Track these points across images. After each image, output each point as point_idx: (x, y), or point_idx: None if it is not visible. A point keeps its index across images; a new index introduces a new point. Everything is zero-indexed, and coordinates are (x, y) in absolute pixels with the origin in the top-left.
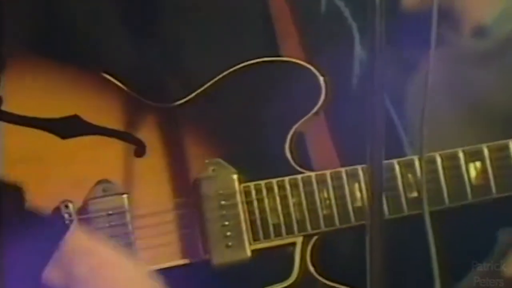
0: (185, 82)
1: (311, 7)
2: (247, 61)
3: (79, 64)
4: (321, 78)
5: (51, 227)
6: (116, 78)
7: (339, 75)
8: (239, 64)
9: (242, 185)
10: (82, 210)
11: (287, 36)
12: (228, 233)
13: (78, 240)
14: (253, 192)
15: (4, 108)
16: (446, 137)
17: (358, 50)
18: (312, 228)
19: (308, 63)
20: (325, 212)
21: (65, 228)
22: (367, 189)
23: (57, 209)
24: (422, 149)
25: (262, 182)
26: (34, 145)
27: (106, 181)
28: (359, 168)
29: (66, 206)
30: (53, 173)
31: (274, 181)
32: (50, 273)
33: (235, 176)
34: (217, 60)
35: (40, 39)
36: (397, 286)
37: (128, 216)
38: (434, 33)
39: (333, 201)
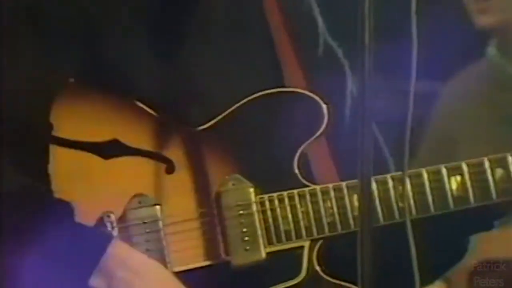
0: (208, 109)
1: (311, 46)
2: (259, 91)
3: (117, 94)
4: (324, 106)
5: (96, 235)
6: (148, 106)
7: (335, 104)
8: (253, 94)
9: (258, 197)
10: (122, 220)
11: (291, 68)
12: (246, 238)
13: (118, 249)
14: (267, 203)
15: (55, 133)
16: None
17: (350, 84)
18: (318, 233)
19: (312, 92)
20: (328, 219)
21: (107, 236)
22: (359, 199)
23: (100, 219)
24: (406, 165)
25: (275, 194)
26: (81, 165)
27: (141, 194)
28: (344, 185)
29: (108, 216)
30: (97, 189)
31: (285, 193)
32: (95, 279)
33: (251, 190)
34: (235, 89)
35: (85, 73)
36: (384, 282)
37: (160, 224)
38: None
39: (335, 210)
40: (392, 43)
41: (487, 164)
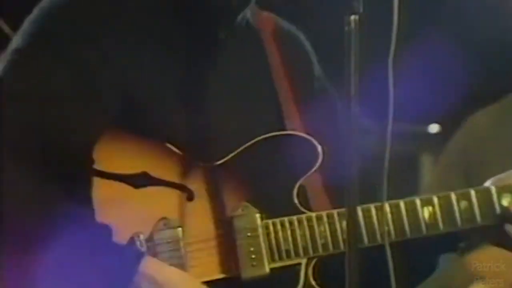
0: (222, 148)
1: (308, 90)
2: (265, 133)
3: (148, 135)
4: (319, 147)
5: (131, 252)
6: (173, 145)
7: (329, 142)
8: (260, 136)
9: (263, 221)
10: (149, 239)
11: (290, 113)
12: (253, 256)
13: (150, 263)
14: (271, 227)
15: (96, 166)
16: None
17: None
18: (313, 253)
19: (309, 135)
20: (322, 241)
21: (140, 253)
22: (347, 224)
23: (131, 239)
24: (385, 196)
25: (277, 220)
26: (116, 193)
27: (166, 218)
28: (335, 213)
29: (138, 236)
30: (129, 213)
31: (286, 219)
32: None
33: (258, 215)
34: (245, 132)
35: (122, 118)
36: None
37: (181, 243)
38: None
39: (328, 234)
40: (376, 87)
41: (453, 197)
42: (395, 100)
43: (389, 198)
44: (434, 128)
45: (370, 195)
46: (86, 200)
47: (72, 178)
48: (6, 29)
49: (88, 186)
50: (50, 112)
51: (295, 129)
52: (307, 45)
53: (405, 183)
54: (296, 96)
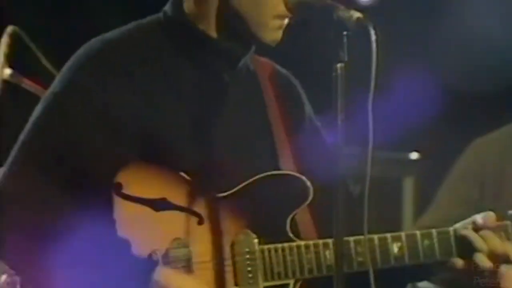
0: (227, 183)
1: (300, 129)
2: (263, 171)
3: (167, 166)
4: (309, 184)
5: (147, 266)
6: (188, 175)
7: (315, 177)
8: (258, 174)
9: (260, 246)
10: (165, 256)
11: (284, 153)
12: (250, 275)
13: (162, 271)
14: (266, 251)
15: (123, 190)
16: None
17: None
18: (300, 275)
19: (300, 171)
20: (308, 266)
21: (153, 264)
22: (334, 254)
23: (150, 255)
24: (366, 230)
25: (272, 246)
26: (138, 214)
27: (179, 238)
28: (330, 241)
29: (155, 254)
30: (148, 232)
31: (279, 245)
32: None
33: (256, 241)
34: (245, 170)
35: (143, 151)
36: None
37: (192, 261)
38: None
39: (313, 260)
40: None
41: (418, 236)
42: (380, 132)
43: (373, 219)
44: (414, 155)
45: (355, 223)
46: (107, 216)
47: (96, 197)
48: (47, 64)
49: (109, 204)
50: (81, 145)
51: (288, 165)
52: (299, 87)
53: (390, 201)
54: (289, 134)
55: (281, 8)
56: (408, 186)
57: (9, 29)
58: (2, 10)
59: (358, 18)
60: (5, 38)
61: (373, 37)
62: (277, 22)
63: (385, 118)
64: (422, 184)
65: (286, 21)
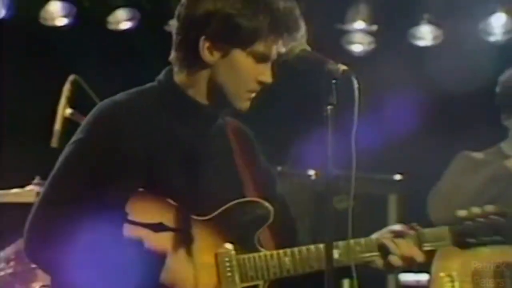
0: (208, 209)
1: (256, 167)
2: (234, 199)
3: (164, 197)
4: (270, 207)
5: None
6: (180, 204)
7: (271, 203)
8: (231, 202)
9: (236, 256)
10: None
11: (248, 183)
12: (230, 279)
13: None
14: (241, 260)
15: (129, 217)
16: None
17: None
18: (268, 277)
19: (263, 199)
20: (273, 270)
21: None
22: (294, 264)
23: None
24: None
25: (246, 256)
26: (140, 234)
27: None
28: (288, 250)
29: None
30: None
31: (251, 255)
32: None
33: (233, 252)
34: (221, 199)
35: (148, 186)
36: None
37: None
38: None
39: (277, 265)
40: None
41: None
42: (368, 157)
43: (358, 228)
44: (397, 177)
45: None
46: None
47: (112, 225)
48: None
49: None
50: (98, 180)
51: (251, 192)
52: (253, 137)
53: (376, 214)
54: (250, 171)
55: (253, 85)
56: (392, 201)
57: (71, 77)
58: (67, 61)
59: (344, 70)
60: (67, 85)
61: (356, 85)
62: (248, 95)
63: (372, 143)
64: (405, 200)
65: (253, 94)
